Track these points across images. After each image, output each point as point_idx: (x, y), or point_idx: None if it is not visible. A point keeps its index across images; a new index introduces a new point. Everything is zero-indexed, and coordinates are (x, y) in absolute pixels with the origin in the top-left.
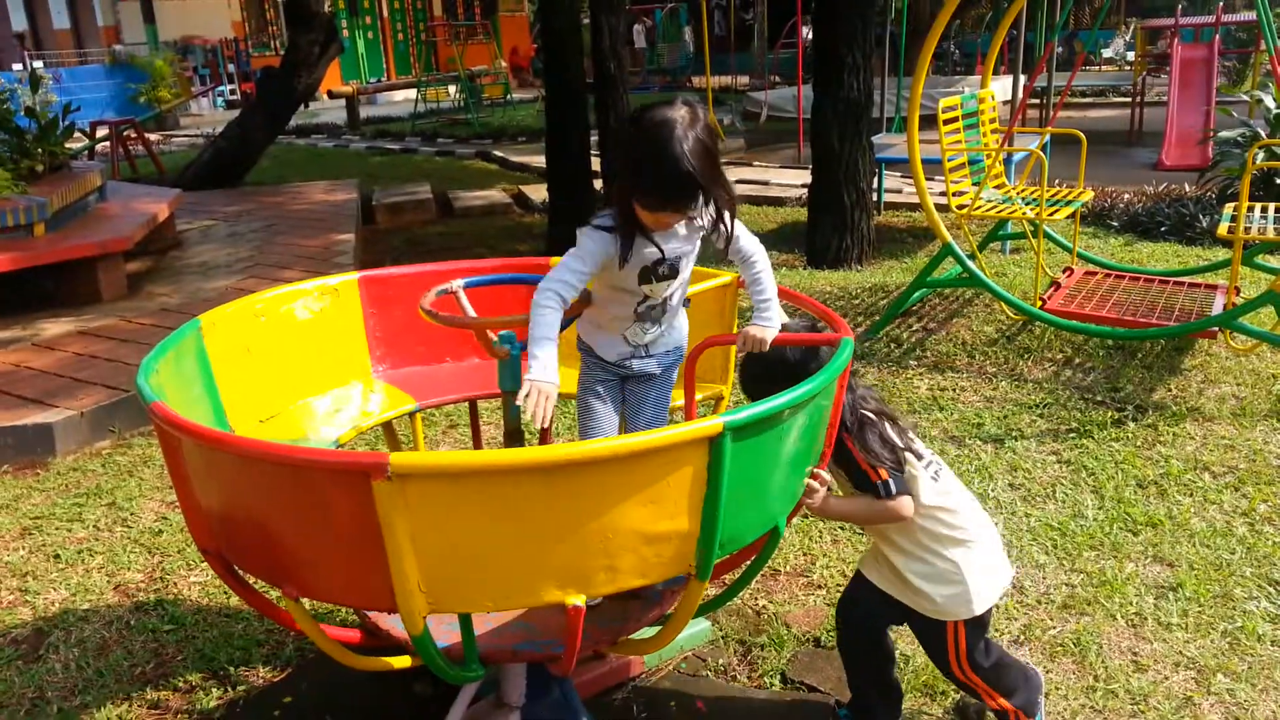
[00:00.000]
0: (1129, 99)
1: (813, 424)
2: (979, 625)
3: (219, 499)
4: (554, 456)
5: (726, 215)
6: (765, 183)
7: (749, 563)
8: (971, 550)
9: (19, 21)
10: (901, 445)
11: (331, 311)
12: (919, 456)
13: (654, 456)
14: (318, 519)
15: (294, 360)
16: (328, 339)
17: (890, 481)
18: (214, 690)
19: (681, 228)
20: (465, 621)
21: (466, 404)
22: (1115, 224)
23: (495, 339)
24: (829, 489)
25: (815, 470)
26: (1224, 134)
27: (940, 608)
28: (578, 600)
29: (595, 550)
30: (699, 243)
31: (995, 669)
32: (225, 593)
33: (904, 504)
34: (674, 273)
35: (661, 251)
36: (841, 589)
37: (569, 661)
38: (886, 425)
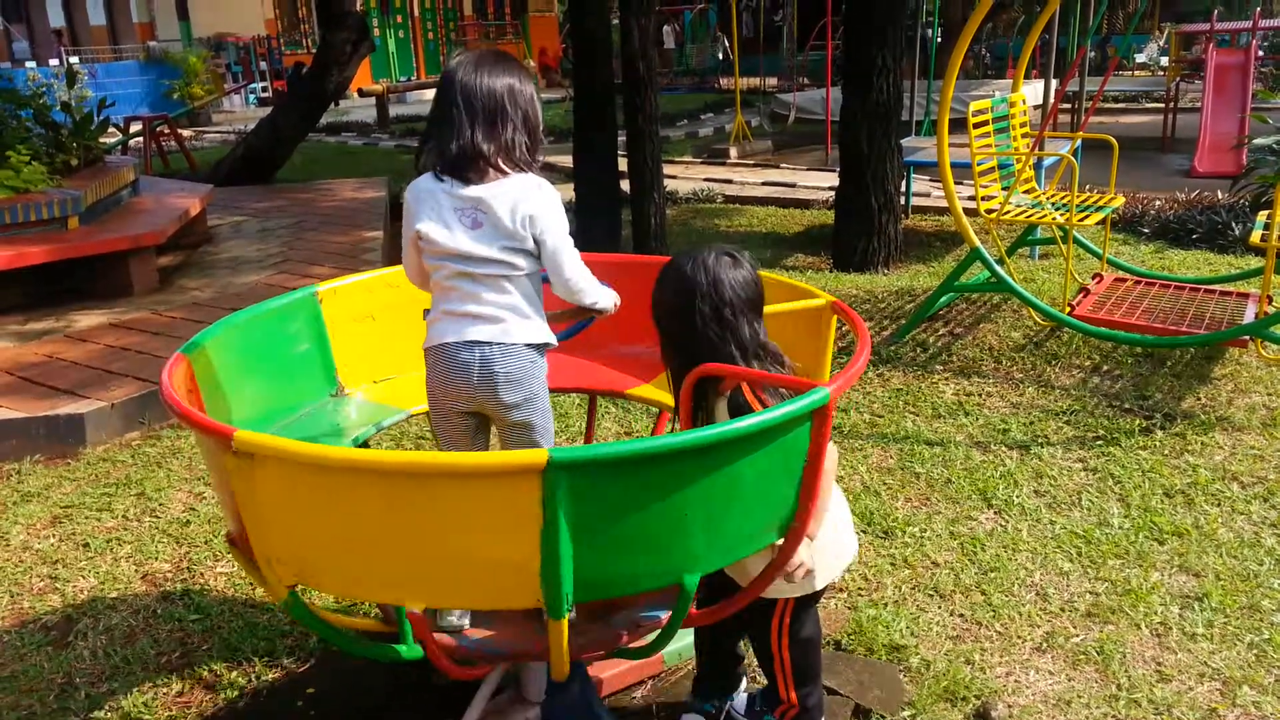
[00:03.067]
0: (1162, 104)
1: (745, 477)
2: (808, 603)
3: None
4: (386, 462)
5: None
6: (792, 185)
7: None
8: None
9: (56, 18)
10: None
11: None
12: None
13: (483, 480)
14: (223, 483)
15: (418, 332)
16: None
17: None
18: (238, 680)
19: None
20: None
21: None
22: (1146, 230)
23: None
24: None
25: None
26: (1258, 141)
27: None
28: (414, 607)
29: (431, 562)
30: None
31: (805, 654)
32: (251, 584)
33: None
34: None
35: None
36: (862, 591)
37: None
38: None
